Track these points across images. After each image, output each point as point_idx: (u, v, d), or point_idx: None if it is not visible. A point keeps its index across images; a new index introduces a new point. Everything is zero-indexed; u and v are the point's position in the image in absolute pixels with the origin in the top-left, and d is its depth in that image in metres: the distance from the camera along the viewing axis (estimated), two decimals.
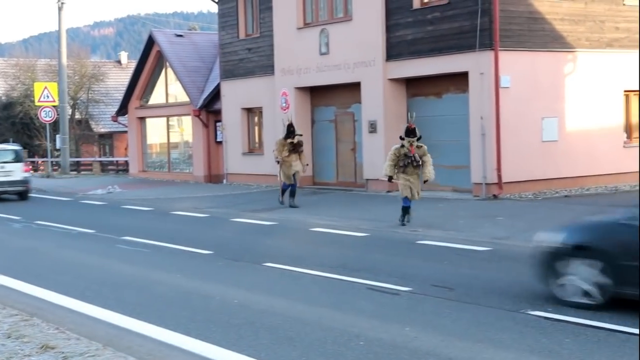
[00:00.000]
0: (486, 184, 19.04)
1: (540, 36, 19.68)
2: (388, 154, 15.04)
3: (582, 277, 7.98)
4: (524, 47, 19.41)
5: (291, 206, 18.43)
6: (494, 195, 18.94)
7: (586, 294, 7.92)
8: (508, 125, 18.91)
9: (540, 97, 19.56)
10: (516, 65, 19.20)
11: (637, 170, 21.34)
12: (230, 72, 27.28)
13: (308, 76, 23.79)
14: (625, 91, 21.35)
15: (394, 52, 21.15)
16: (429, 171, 14.76)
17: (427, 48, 20.23)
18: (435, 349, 6.58)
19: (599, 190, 20.24)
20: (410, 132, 14.66)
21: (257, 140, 27.24)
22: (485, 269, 10.51)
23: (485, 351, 6.50)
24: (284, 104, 24.38)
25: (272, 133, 25.34)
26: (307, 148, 24.42)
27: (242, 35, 26.94)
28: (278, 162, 18.87)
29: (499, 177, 18.89)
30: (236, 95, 26.98)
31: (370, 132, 21.72)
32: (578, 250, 8.12)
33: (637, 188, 20.76)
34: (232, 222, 16.74)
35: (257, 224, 16.17)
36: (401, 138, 14.79)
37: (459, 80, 19.80)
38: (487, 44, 18.81)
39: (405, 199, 14.73)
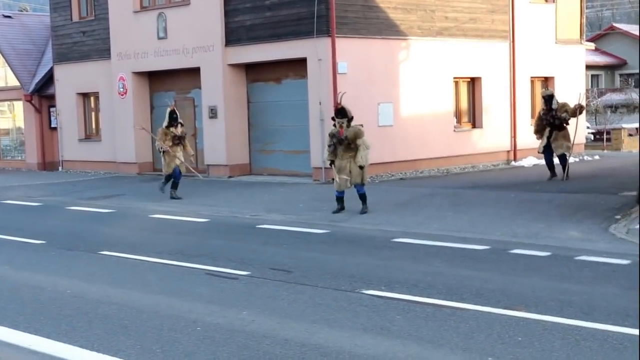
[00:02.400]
0: (325, 168, 19.32)
1: (375, 24, 20.16)
2: (327, 140, 14.22)
3: None
4: (360, 34, 19.83)
5: (172, 198, 16.79)
6: (333, 179, 19.24)
7: None
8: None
9: (375, 83, 20.06)
10: (353, 52, 19.59)
11: (468, 153, 22.40)
12: (64, 56, 26.25)
13: (146, 61, 23.28)
14: (454, 78, 22.26)
15: (233, 37, 21.05)
16: (361, 156, 13.64)
17: (266, 34, 20.26)
18: (272, 331, 6.62)
19: (432, 172, 21.06)
20: (338, 112, 13.74)
21: (94, 126, 26.42)
22: (323, 252, 10.67)
23: (320, 331, 6.60)
24: (122, 89, 23.78)
25: (110, 119, 24.66)
26: (146, 134, 23.98)
27: (75, 18, 25.98)
28: (161, 151, 16.98)
29: None
30: (71, 79, 26.00)
31: (211, 117, 21.54)
32: None
33: (466, 170, 21.78)
34: (68, 210, 16.15)
35: (93, 211, 15.69)
36: (333, 119, 13.97)
37: (298, 66, 19.98)
38: (325, 30, 19.08)
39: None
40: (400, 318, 6.96)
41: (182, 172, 17.07)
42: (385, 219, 13.35)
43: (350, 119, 13.74)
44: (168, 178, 17.00)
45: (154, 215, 14.71)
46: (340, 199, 14.09)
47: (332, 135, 13.83)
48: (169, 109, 17.09)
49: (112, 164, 24.80)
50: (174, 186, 16.93)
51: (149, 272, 9.46)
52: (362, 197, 14.00)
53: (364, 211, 13.87)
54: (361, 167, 13.72)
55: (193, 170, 18.04)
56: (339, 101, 14.22)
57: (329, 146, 13.90)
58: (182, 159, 17.03)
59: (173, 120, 16.84)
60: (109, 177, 23.63)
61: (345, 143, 13.69)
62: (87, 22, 25.61)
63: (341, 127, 13.66)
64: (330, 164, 14.18)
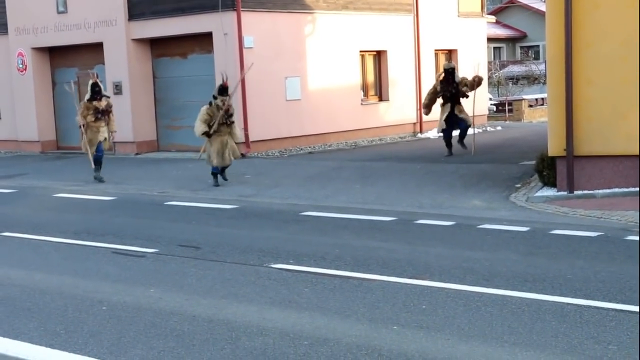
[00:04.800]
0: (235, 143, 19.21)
1: None
2: (199, 114, 14.22)
3: None
4: (266, 8, 19.70)
5: (95, 178, 15.74)
6: (242, 154, 19.16)
7: None
8: (253, 85, 19.15)
9: (283, 57, 20.00)
10: (259, 26, 19.45)
11: (375, 126, 22.63)
12: None
13: (46, 36, 22.54)
14: (360, 51, 22.40)
15: (136, 11, 20.60)
16: (237, 132, 14.60)
17: (170, 8, 19.92)
18: (180, 308, 6.58)
19: (340, 146, 21.21)
20: (223, 90, 14.16)
21: None
22: (232, 227, 10.63)
23: (229, 306, 6.60)
24: (21, 65, 22.99)
25: (9, 96, 23.82)
26: (47, 112, 23.28)
27: None
28: (81, 127, 15.68)
29: (246, 136, 19.15)
30: None
31: (116, 93, 21.03)
32: None
33: (374, 143, 22.01)
34: None
35: None
36: (214, 97, 14.15)
37: (204, 40, 19.73)
38: (230, 4, 18.87)
39: (214, 166, 14.39)
40: (308, 291, 7.02)
41: (104, 150, 16.11)
42: (294, 193, 13.40)
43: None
44: (96, 160, 15.82)
45: (58, 194, 14.34)
46: (216, 174, 14.54)
47: (217, 114, 14.04)
48: (91, 81, 15.92)
49: (13, 142, 24.01)
50: (97, 164, 15.83)
51: (53, 253, 9.25)
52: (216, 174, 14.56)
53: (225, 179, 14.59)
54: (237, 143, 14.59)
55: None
56: (225, 80, 14.40)
57: (204, 122, 14.09)
58: (106, 135, 15.97)
59: (95, 93, 15.62)
60: (10, 156, 22.90)
61: (228, 119, 14.19)
62: None
63: (224, 103, 14.02)
64: (207, 136, 14.21)
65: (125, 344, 5.72)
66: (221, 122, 14.12)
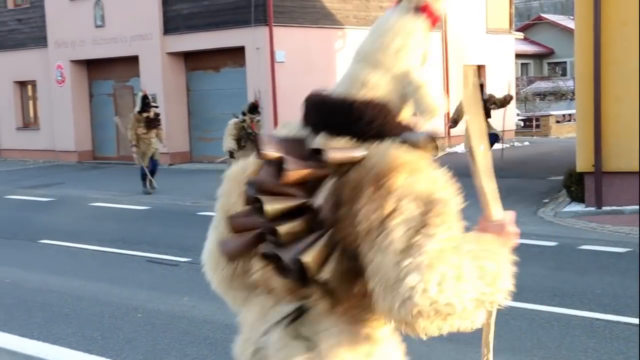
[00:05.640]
0: None
1: (312, 13, 20.16)
2: (226, 128, 13.80)
3: None
4: (297, 24, 19.80)
5: (150, 188, 15.46)
6: None
7: None
8: (284, 98, 19.23)
9: (313, 72, 20.04)
10: (290, 41, 19.55)
11: None
12: None
13: (84, 49, 22.84)
14: None
15: (171, 26, 20.81)
16: None
17: (203, 23, 20.08)
18: (212, 316, 6.60)
19: None
20: (254, 108, 14.01)
21: (32, 114, 25.83)
22: None
23: None
24: (60, 78, 23.30)
25: (48, 107, 24.15)
26: (84, 123, 23.54)
27: (10, 5, 25.33)
28: (133, 145, 15.31)
29: None
30: (7, 68, 25.35)
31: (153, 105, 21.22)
32: None
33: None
34: (6, 199, 15.78)
35: (33, 200, 15.37)
36: (243, 114, 13.89)
37: (237, 54, 19.86)
38: (262, 19, 18.99)
39: None
40: None
41: (158, 161, 15.82)
42: None
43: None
44: (144, 174, 15.49)
45: (94, 203, 14.48)
46: None
47: (244, 132, 13.59)
48: (140, 93, 15.87)
49: (51, 152, 24.31)
50: (151, 174, 15.50)
51: (90, 260, 9.34)
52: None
53: None
54: None
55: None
56: (257, 98, 14.32)
57: (234, 138, 13.63)
58: (157, 147, 15.66)
59: (145, 105, 15.54)
60: (48, 166, 23.16)
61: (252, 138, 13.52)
62: (22, 9, 24.99)
63: (252, 122, 13.77)
64: (230, 155, 13.66)
65: (159, 350, 5.75)
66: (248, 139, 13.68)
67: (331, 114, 2.27)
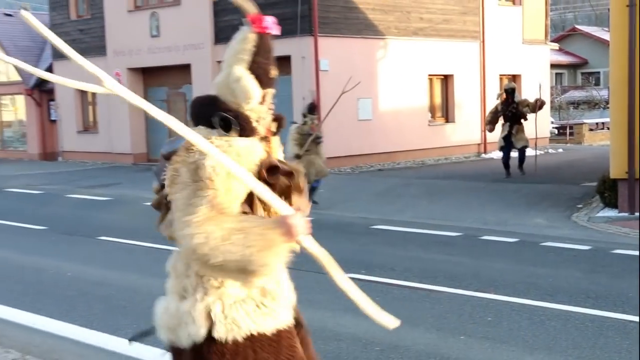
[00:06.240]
0: None
1: (355, 24, 20.15)
2: (290, 133, 12.92)
3: None
4: (341, 34, 19.81)
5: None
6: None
7: None
8: (328, 105, 19.19)
9: (355, 80, 19.88)
10: (334, 51, 19.57)
11: (441, 146, 22.46)
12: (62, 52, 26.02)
13: (140, 57, 23.13)
14: (429, 75, 22.30)
15: (222, 36, 20.95)
16: (322, 151, 13.25)
17: None
18: None
19: (408, 164, 21.10)
20: (313, 109, 13.12)
21: (91, 118, 26.24)
22: None
23: (306, 311, 6.44)
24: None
25: (107, 112, 24.51)
26: (140, 127, 23.84)
27: (73, 17, 25.77)
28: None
29: None
30: (69, 75, 25.39)
31: None
32: None
33: (440, 162, 21.84)
34: (67, 198, 16.04)
35: (92, 199, 15.60)
36: (304, 115, 13.08)
37: (283, 63, 19.89)
38: (307, 30, 19.05)
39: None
40: (379, 299, 6.90)
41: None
42: (365, 208, 13.37)
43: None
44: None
45: (148, 202, 14.55)
46: (312, 189, 13.20)
47: (306, 133, 12.93)
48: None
49: (109, 154, 24.66)
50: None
51: (144, 256, 9.43)
52: (315, 190, 13.32)
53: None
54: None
55: None
56: (314, 98, 13.31)
57: (297, 143, 12.92)
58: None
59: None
60: (106, 167, 23.49)
61: (317, 138, 13.03)
62: (84, 20, 25.40)
63: (312, 123, 13.06)
64: (297, 158, 13.02)
65: None
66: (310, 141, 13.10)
67: (192, 110, 2.99)
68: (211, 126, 2.82)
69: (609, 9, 12.94)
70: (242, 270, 2.65)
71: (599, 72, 44.18)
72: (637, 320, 6.07)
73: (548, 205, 12.86)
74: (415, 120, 21.65)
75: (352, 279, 8.00)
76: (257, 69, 2.86)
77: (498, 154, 22.10)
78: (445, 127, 22.92)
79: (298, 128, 13.03)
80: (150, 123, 23.77)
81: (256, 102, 2.86)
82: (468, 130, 23.15)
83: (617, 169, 11.57)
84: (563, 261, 8.61)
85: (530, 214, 12.04)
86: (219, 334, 2.76)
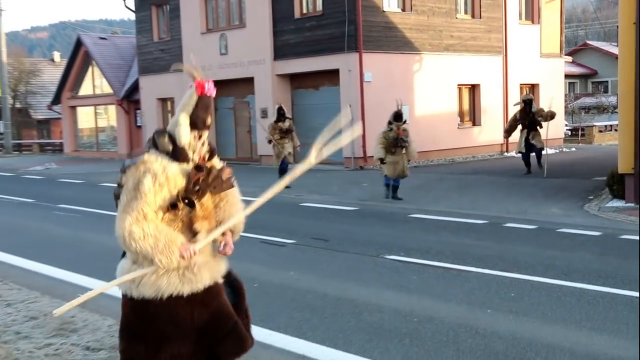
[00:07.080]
0: (354, 157, 19.33)
1: (394, 41, 20.01)
2: (377, 138, 12.67)
3: None
4: (382, 50, 19.70)
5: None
6: (361, 167, 19.25)
7: None
8: (371, 111, 19.19)
9: (395, 90, 19.89)
10: (376, 64, 19.47)
11: (469, 146, 22.18)
12: (146, 69, 26.47)
13: (211, 72, 23.28)
14: (458, 85, 22.04)
15: (280, 53, 21.05)
16: (412, 150, 12.70)
17: (306, 50, 20.22)
18: (313, 287, 6.65)
19: (440, 161, 20.90)
20: (398, 116, 12.57)
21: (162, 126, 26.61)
22: (353, 224, 10.65)
23: (352, 288, 6.62)
24: None
25: None
26: (211, 130, 24.03)
27: (155, 39, 26.15)
28: (270, 142, 15.28)
29: (364, 152, 19.21)
30: (152, 88, 26.22)
31: (262, 117, 21.54)
32: None
33: (468, 160, 21.57)
34: None
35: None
36: (389, 122, 12.60)
37: (332, 76, 19.92)
38: (353, 47, 18.99)
39: (386, 177, 12.86)
40: (416, 278, 6.95)
41: (289, 163, 15.15)
42: (404, 199, 13.27)
43: (404, 122, 12.70)
44: (281, 171, 14.90)
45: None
46: (389, 185, 13.05)
47: (392, 138, 12.49)
48: (277, 106, 15.60)
49: None
50: (282, 173, 14.65)
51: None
52: (397, 188, 13.09)
53: (390, 196, 13.01)
54: (408, 161, 12.91)
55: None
56: (399, 107, 12.89)
57: (383, 147, 12.53)
58: (290, 150, 15.31)
59: (280, 116, 15.22)
60: None
61: (402, 142, 12.57)
62: (164, 42, 25.76)
63: (398, 129, 12.51)
64: (381, 162, 12.76)
65: (272, 314, 5.82)
66: (396, 145, 12.59)
67: (151, 137, 3.60)
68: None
69: (617, 27, 12.60)
70: (146, 259, 3.40)
71: (607, 81, 43.15)
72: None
73: (563, 197, 12.60)
74: (446, 124, 21.43)
75: (393, 260, 8.00)
76: (196, 119, 3.49)
77: (514, 153, 21.78)
78: (473, 130, 22.63)
79: (384, 133, 12.62)
80: (219, 127, 24.00)
81: (187, 141, 3.47)
82: (492, 132, 22.81)
83: (624, 165, 11.28)
84: (577, 245, 8.43)
85: (547, 204, 11.82)
86: (123, 289, 3.56)
